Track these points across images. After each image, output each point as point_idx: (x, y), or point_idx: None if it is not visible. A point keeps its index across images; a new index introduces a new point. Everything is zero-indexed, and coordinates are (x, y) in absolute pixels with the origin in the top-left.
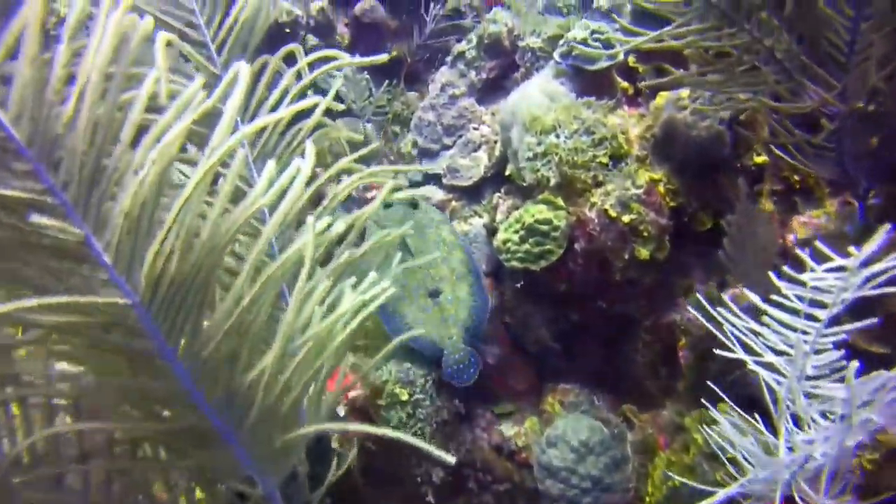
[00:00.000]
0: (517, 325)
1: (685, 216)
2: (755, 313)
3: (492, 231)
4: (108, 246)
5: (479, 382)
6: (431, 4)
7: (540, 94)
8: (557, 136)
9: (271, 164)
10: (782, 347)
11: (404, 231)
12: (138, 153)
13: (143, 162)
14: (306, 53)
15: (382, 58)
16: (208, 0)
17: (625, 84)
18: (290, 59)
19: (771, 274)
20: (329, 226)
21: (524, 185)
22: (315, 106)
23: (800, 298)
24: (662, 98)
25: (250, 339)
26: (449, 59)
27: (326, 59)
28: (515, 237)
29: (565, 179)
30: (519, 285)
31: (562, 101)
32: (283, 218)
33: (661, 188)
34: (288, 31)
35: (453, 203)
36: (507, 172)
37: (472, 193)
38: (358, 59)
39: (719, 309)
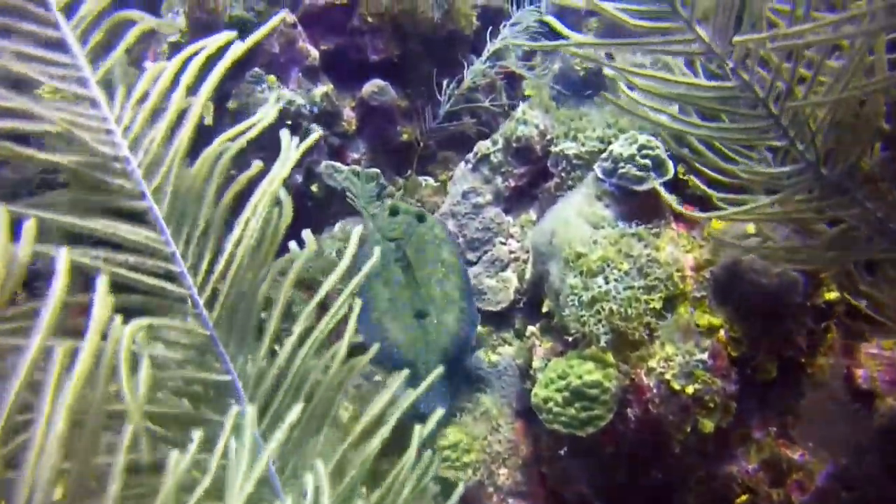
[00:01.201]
0: (556, 477)
1: (748, 366)
2: None
3: (526, 371)
4: None
5: None
6: (445, 83)
7: (581, 221)
8: (606, 281)
9: None
10: None
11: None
12: None
13: None
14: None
15: None
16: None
17: (672, 201)
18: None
19: None
20: None
21: (569, 336)
22: None
23: None
24: (720, 224)
25: None
26: (471, 157)
27: None
28: (558, 397)
29: (616, 334)
30: (562, 451)
31: (607, 232)
32: None
33: (722, 334)
34: (290, 123)
35: (479, 328)
36: (543, 308)
37: (500, 318)
38: None
39: None
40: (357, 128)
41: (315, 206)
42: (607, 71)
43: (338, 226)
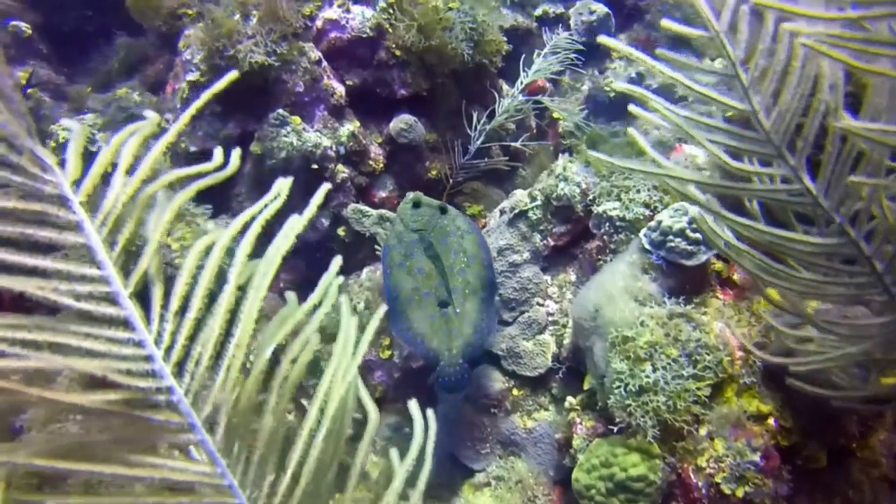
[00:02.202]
0: None
1: (799, 457)
2: None
3: (565, 446)
4: None
5: None
6: (475, 115)
7: (626, 297)
8: (654, 369)
9: None
10: None
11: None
12: None
13: None
14: (336, 188)
15: None
16: None
17: (719, 265)
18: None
19: None
20: None
21: (614, 424)
22: None
23: None
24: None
25: None
26: (507, 207)
27: None
28: (601, 486)
29: (663, 425)
30: None
31: (654, 311)
32: None
33: (772, 422)
34: (316, 167)
35: (514, 391)
36: (585, 384)
37: (537, 381)
38: None
39: None
40: (384, 165)
41: (342, 250)
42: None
43: (365, 272)
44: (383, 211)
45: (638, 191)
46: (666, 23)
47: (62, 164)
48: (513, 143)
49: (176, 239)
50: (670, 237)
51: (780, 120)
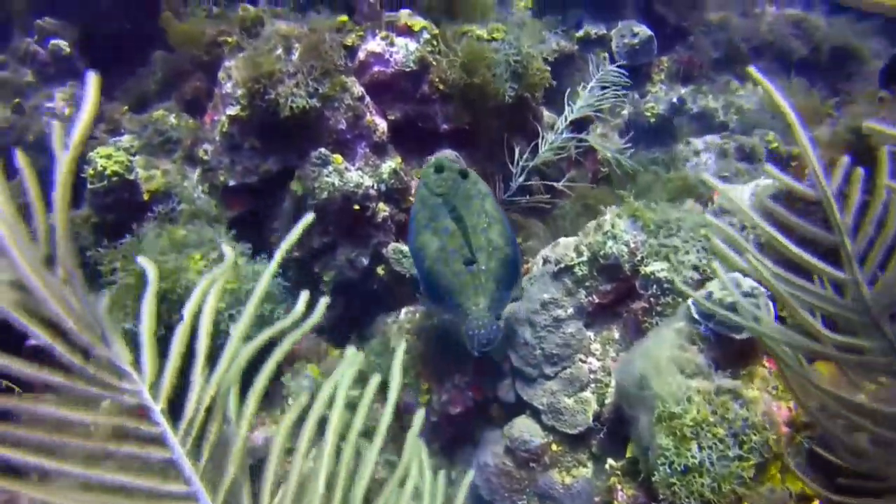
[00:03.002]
0: None
1: None
2: None
3: None
4: None
5: None
6: (517, 151)
7: (673, 368)
8: (700, 448)
9: None
10: None
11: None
12: None
13: None
14: (377, 226)
15: None
16: None
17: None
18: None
19: None
20: None
21: (656, 500)
22: None
23: None
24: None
25: None
26: (551, 256)
27: None
28: None
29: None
30: None
31: (701, 385)
32: None
33: None
34: (357, 207)
35: (553, 447)
36: (628, 452)
37: (577, 439)
38: None
39: None
40: None
41: (381, 289)
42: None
43: (404, 312)
44: None
45: (687, 252)
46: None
47: (137, 363)
48: (556, 184)
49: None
50: (720, 313)
51: (885, 294)
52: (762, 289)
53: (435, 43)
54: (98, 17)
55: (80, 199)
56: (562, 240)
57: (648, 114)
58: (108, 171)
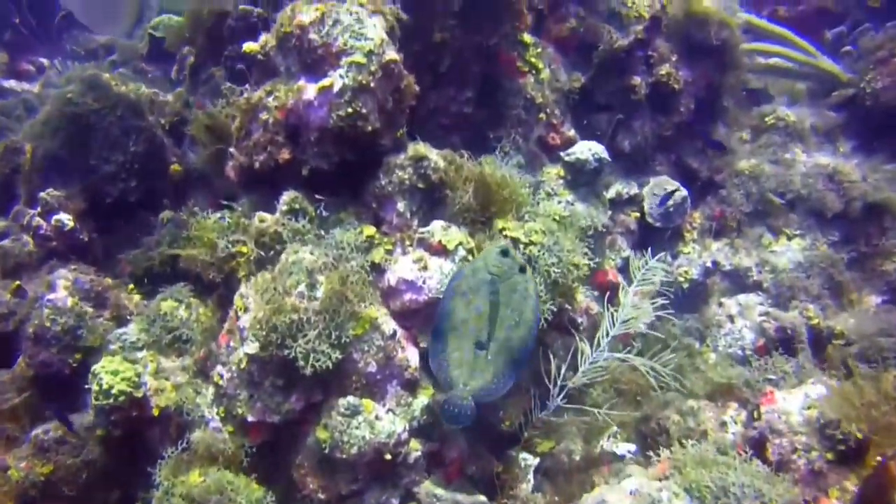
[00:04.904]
0: None
1: None
2: None
3: None
4: None
5: None
6: (553, 367)
7: None
8: None
9: None
10: None
11: None
12: None
13: None
14: (408, 467)
15: None
16: None
17: None
18: None
19: None
20: None
21: None
22: None
23: None
24: None
25: None
26: None
27: None
28: None
29: None
30: None
31: None
32: None
33: None
34: (389, 457)
35: None
36: None
37: None
38: None
39: None
40: None
41: None
42: None
43: None
44: (458, 497)
45: None
46: None
47: None
48: (597, 410)
49: None
50: None
51: None
52: None
53: (471, 258)
54: (105, 179)
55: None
56: None
57: (682, 278)
58: (114, 390)
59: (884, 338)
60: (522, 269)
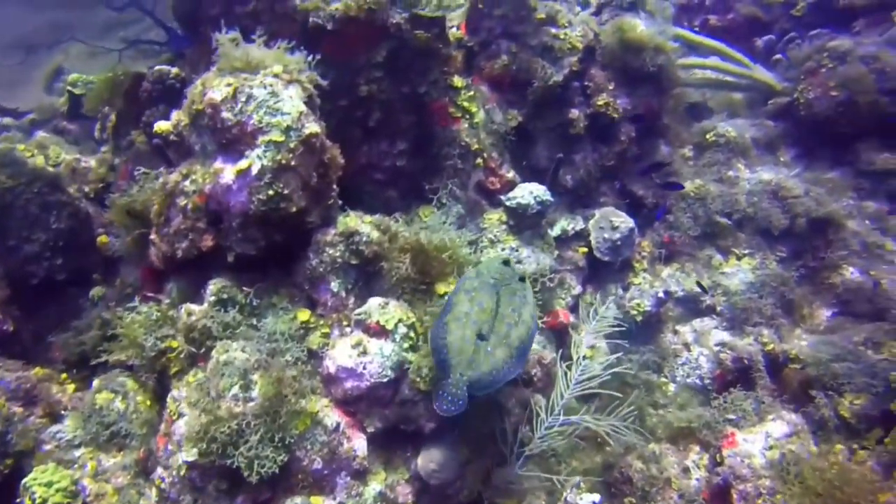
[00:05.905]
0: None
1: None
2: None
3: None
4: None
5: None
6: (509, 430)
7: None
8: None
9: None
10: None
11: None
12: None
13: None
14: None
15: None
16: None
17: None
18: None
19: None
20: None
21: None
22: None
23: None
24: None
25: None
26: None
27: None
28: None
29: None
30: None
31: None
32: None
33: None
34: None
35: None
36: None
37: None
38: None
39: None
40: None
41: None
42: None
43: None
44: None
45: None
46: None
47: None
48: (555, 477)
49: None
50: None
51: None
52: None
53: (413, 335)
54: (27, 260)
55: None
56: None
57: (635, 311)
58: None
59: (838, 363)
60: (522, 279)
